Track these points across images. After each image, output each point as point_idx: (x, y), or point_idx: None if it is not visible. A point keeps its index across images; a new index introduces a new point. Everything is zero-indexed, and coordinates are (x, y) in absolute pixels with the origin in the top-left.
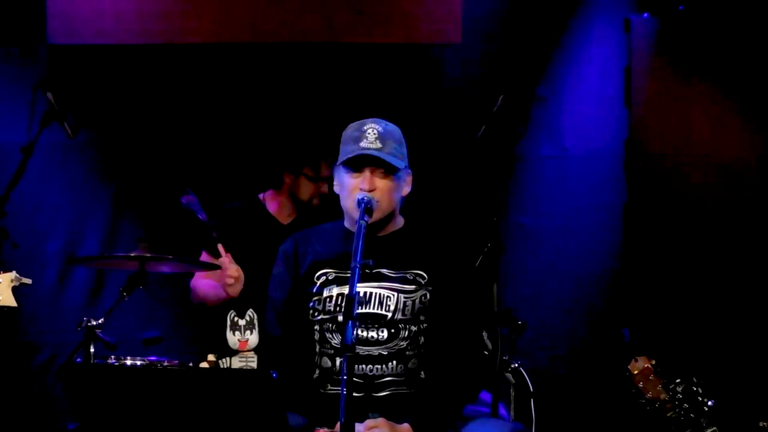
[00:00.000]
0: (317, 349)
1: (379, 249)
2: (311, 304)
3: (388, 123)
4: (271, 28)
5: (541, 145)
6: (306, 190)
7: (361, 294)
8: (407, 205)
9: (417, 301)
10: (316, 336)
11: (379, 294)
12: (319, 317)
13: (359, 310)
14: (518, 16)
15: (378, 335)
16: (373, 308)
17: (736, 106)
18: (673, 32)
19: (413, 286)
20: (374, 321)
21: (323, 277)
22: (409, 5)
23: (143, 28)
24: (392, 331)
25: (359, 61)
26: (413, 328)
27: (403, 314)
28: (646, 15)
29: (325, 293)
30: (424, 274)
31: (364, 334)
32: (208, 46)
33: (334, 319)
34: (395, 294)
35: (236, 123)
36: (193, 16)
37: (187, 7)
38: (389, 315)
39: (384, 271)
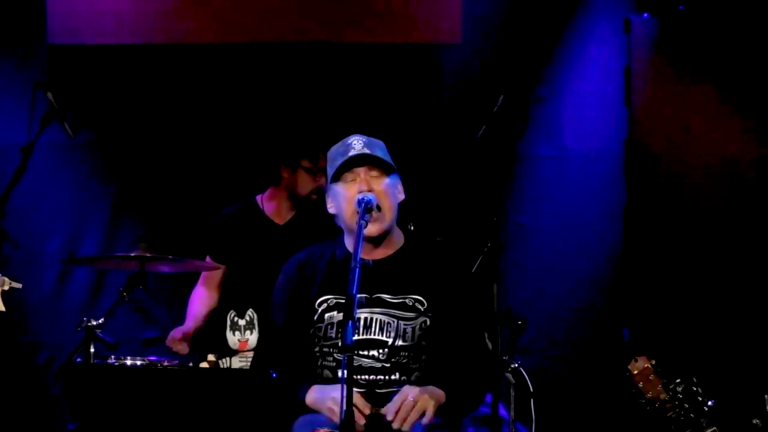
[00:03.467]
0: (319, 362)
1: (378, 273)
2: (312, 330)
3: (370, 137)
4: (272, 27)
5: (540, 144)
6: (304, 183)
7: (362, 320)
8: (407, 207)
9: (417, 328)
10: (318, 353)
11: (380, 320)
12: (320, 342)
13: (361, 336)
14: (518, 16)
15: (378, 354)
16: (374, 334)
17: (735, 106)
18: (673, 32)
19: (413, 314)
20: (376, 347)
21: (324, 304)
22: (409, 5)
23: (143, 28)
24: (393, 352)
25: (359, 61)
26: (414, 351)
27: (404, 340)
28: (646, 15)
29: (326, 320)
30: (424, 300)
31: (365, 352)
32: (207, 46)
33: (334, 345)
34: (395, 321)
35: (236, 122)
36: (193, 16)
37: (186, 7)
38: (390, 341)
39: (384, 296)
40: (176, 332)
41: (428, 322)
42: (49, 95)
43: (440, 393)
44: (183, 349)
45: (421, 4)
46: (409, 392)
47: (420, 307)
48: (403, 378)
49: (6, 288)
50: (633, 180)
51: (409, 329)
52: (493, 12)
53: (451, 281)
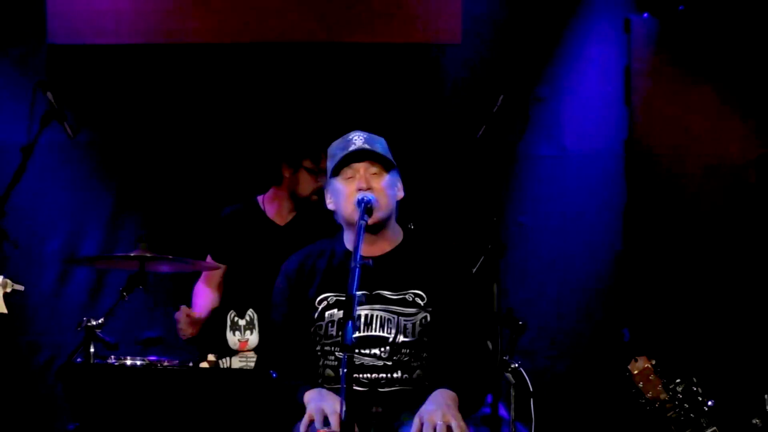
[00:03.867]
0: (320, 362)
1: (378, 269)
2: (313, 328)
3: (371, 133)
4: (272, 27)
5: (540, 144)
6: (306, 184)
7: (362, 317)
8: (407, 207)
9: (417, 323)
10: (319, 351)
11: (380, 317)
12: (321, 341)
13: (362, 333)
14: (518, 16)
15: (380, 351)
16: (375, 331)
17: (735, 106)
18: (673, 32)
19: (413, 309)
20: (377, 344)
21: (324, 302)
22: (409, 5)
23: (143, 28)
24: (395, 348)
25: (359, 61)
26: (415, 348)
27: (405, 336)
28: (646, 15)
29: (327, 318)
30: (423, 295)
31: (367, 351)
32: (207, 46)
33: (336, 343)
34: (396, 317)
35: (236, 122)
36: (193, 16)
37: (186, 7)
38: (391, 337)
39: (384, 293)
40: (186, 310)
41: (428, 318)
42: (49, 95)
43: (453, 395)
44: (192, 331)
45: (421, 4)
46: (436, 418)
47: (420, 302)
48: (405, 376)
49: (8, 290)
50: (633, 180)
51: (409, 325)
52: (493, 12)
53: (451, 276)
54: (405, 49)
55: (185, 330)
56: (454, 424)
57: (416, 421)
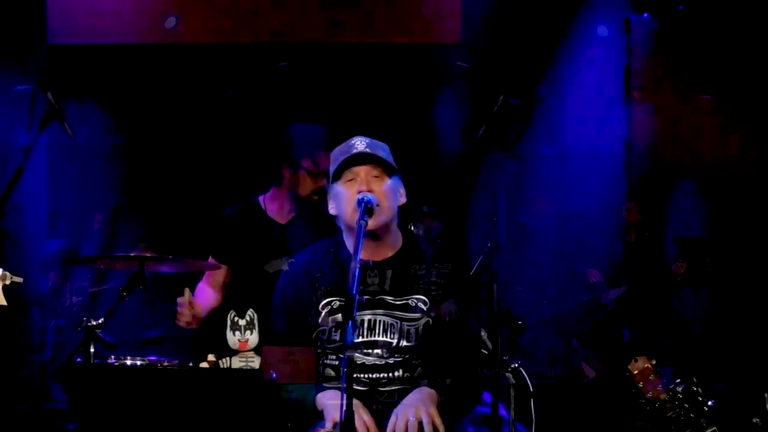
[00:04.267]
0: (321, 360)
1: (380, 275)
2: (316, 333)
3: (373, 138)
4: (273, 28)
5: (541, 144)
6: (305, 184)
7: (366, 322)
8: (408, 207)
9: (420, 328)
10: (320, 352)
11: (383, 321)
12: (324, 345)
13: (365, 339)
14: (518, 17)
15: (381, 352)
16: (378, 336)
17: (735, 107)
18: (673, 32)
19: (416, 314)
20: (380, 347)
21: (328, 307)
22: (410, 5)
23: (143, 28)
24: (397, 351)
25: (359, 60)
26: (417, 351)
27: (408, 341)
28: (646, 15)
29: (330, 323)
30: (426, 300)
31: (369, 350)
32: (207, 46)
33: (339, 348)
34: (398, 322)
35: (237, 122)
36: (193, 16)
37: (186, 7)
38: (394, 342)
39: (387, 298)
40: (189, 295)
41: (430, 322)
42: (49, 95)
43: (431, 392)
44: (190, 321)
45: (421, 4)
46: (408, 414)
47: (422, 306)
48: (406, 375)
49: (7, 282)
50: (633, 180)
51: (412, 330)
52: (493, 12)
53: (450, 280)
54: (405, 49)
55: (185, 316)
56: (425, 419)
57: (392, 418)
